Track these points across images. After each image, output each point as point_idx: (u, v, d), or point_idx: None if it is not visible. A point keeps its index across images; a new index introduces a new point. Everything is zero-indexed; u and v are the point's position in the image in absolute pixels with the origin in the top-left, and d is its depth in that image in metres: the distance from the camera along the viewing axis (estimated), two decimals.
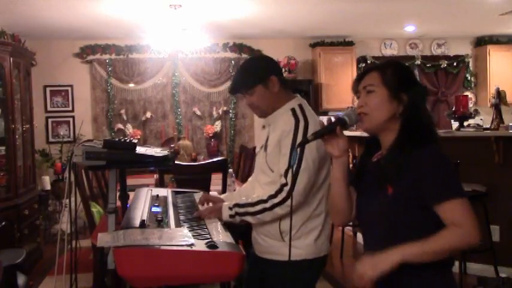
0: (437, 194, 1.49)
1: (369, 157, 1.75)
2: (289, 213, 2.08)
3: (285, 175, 2.08)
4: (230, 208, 2.18)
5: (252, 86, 2.21)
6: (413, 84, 1.65)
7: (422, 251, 1.47)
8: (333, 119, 1.67)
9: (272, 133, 2.23)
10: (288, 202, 2.05)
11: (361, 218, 1.71)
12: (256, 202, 2.13)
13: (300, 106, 2.22)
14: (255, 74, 2.23)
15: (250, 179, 2.50)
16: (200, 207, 2.36)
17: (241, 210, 2.16)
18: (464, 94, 7.23)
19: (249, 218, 2.16)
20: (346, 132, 1.70)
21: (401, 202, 1.53)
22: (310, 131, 2.11)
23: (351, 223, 5.40)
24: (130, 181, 3.47)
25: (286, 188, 2.07)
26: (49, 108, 7.11)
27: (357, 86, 1.69)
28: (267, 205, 2.10)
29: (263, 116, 2.30)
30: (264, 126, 2.34)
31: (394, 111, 1.60)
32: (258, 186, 2.28)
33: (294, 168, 2.07)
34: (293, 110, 2.19)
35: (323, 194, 2.20)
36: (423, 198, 1.50)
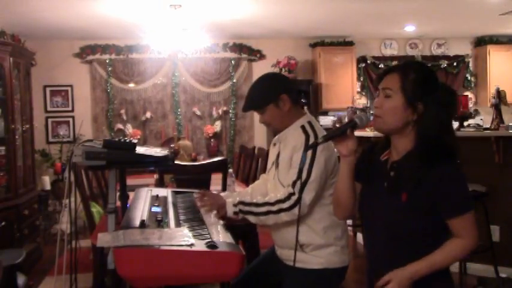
0: (451, 210, 1.57)
1: (375, 154, 1.76)
2: (295, 223, 2.07)
3: (293, 185, 2.14)
4: (235, 205, 2.21)
5: (264, 106, 2.28)
6: (433, 90, 1.61)
7: (430, 268, 1.56)
8: (346, 119, 1.71)
9: (283, 150, 2.28)
10: (295, 210, 2.10)
11: (367, 219, 1.73)
12: (262, 203, 2.18)
13: (310, 123, 2.28)
14: (266, 93, 2.29)
15: (253, 185, 2.55)
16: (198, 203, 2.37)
17: (246, 208, 2.20)
18: (464, 94, 7.21)
19: (251, 218, 2.20)
20: None
21: (414, 210, 1.56)
22: (320, 146, 2.13)
23: (351, 222, 5.41)
24: (130, 181, 3.47)
25: (294, 197, 2.12)
26: (49, 108, 7.10)
27: (377, 83, 1.70)
28: (274, 208, 2.14)
29: (276, 132, 2.36)
30: (274, 144, 2.38)
31: (407, 118, 1.61)
32: None
33: (304, 177, 2.12)
34: (303, 127, 2.26)
35: None
36: (437, 211, 1.56)
